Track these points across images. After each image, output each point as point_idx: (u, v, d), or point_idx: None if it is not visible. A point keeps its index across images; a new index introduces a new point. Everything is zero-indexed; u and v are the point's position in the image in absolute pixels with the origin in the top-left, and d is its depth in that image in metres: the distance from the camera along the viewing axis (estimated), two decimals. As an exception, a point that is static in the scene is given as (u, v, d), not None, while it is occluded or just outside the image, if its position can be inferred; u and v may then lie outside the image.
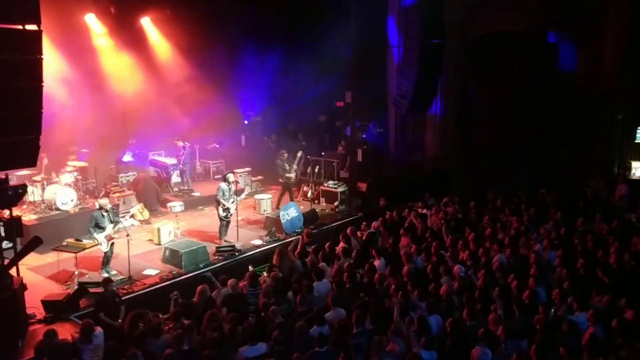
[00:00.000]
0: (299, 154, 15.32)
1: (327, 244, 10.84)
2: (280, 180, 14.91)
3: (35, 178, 13.32)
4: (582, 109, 15.80)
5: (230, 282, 8.81)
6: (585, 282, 8.30)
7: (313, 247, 10.72)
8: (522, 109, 16.05)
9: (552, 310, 7.50)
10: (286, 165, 14.81)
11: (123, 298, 9.30)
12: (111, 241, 10.52)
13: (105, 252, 10.50)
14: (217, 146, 18.58)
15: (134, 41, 16.29)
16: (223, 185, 12.27)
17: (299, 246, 10.91)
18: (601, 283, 8.26)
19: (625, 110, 15.51)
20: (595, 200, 13.34)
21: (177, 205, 14.57)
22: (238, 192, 12.58)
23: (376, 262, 9.76)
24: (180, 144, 16.09)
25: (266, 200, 14.80)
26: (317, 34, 15.78)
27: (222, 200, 12.10)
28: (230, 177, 12.52)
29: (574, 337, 6.65)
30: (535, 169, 15.14)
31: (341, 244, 10.78)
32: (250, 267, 10.62)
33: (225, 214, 12.16)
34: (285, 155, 15.06)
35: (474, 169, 15.97)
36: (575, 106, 15.75)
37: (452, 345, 6.67)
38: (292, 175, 14.84)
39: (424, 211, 12.88)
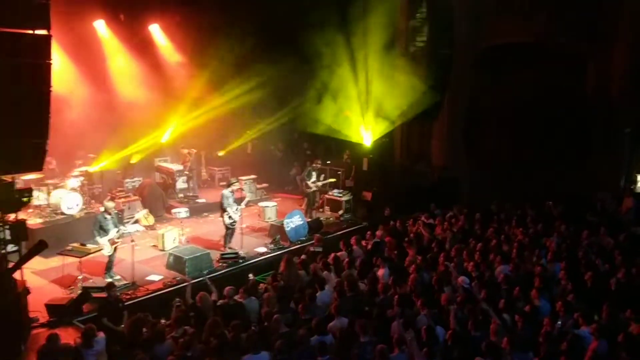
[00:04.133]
0: (329, 179, 15.65)
1: (332, 254, 10.80)
2: (304, 188, 15.08)
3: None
4: (590, 121, 15.74)
5: (226, 290, 8.76)
6: (591, 296, 8.23)
7: (319, 255, 10.72)
8: (529, 120, 16.02)
9: (559, 322, 7.43)
10: (314, 174, 14.87)
11: (126, 303, 9.33)
12: (114, 245, 10.53)
13: (109, 257, 10.51)
14: (220, 154, 18.64)
15: (142, 48, 16.40)
16: (226, 192, 12.29)
17: (306, 251, 10.96)
18: (607, 297, 8.18)
19: (633, 123, 15.44)
20: (602, 213, 13.26)
21: (182, 212, 14.59)
22: (239, 200, 12.56)
23: (380, 271, 9.71)
24: (186, 151, 16.14)
25: (271, 207, 14.79)
26: (325, 41, 15.83)
27: (227, 207, 12.10)
28: (234, 185, 12.55)
29: (579, 351, 6.60)
30: (542, 181, 15.07)
31: (341, 253, 10.79)
32: (250, 275, 10.60)
33: (230, 221, 12.15)
34: (319, 164, 15.22)
35: (480, 180, 15.92)
36: (583, 118, 15.70)
37: (455, 356, 6.62)
38: (313, 187, 14.91)
39: (430, 221, 12.85)
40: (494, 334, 6.87)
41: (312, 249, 11.39)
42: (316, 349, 6.74)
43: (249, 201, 13.27)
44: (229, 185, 12.63)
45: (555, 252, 10.10)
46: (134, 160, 16.32)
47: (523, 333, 7.11)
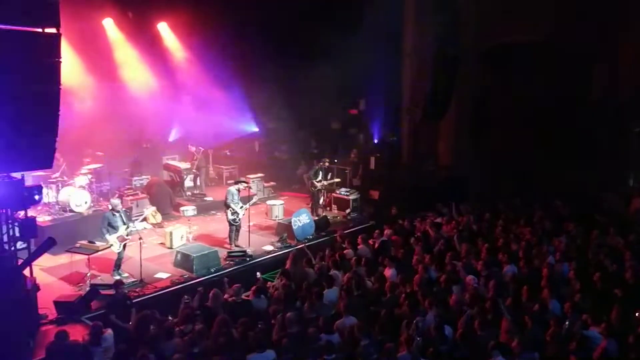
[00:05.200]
0: (335, 179, 15.62)
1: (338, 252, 10.81)
2: (310, 187, 15.03)
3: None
4: (598, 121, 15.65)
5: (233, 288, 8.76)
6: (600, 296, 8.19)
7: (325, 253, 10.73)
8: (537, 120, 15.95)
9: (566, 322, 7.40)
10: (320, 173, 14.87)
11: (134, 301, 9.35)
12: (123, 242, 10.58)
13: (117, 254, 10.57)
14: (228, 153, 18.67)
15: (150, 46, 16.43)
16: (232, 189, 12.35)
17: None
18: (616, 297, 8.14)
19: (641, 123, 15.36)
20: (610, 213, 13.18)
21: (189, 210, 14.62)
22: (245, 199, 12.57)
23: (387, 271, 9.70)
24: (193, 149, 16.18)
25: (278, 206, 14.81)
26: (333, 41, 15.82)
27: (231, 204, 12.15)
28: (241, 185, 12.59)
29: (587, 352, 6.57)
30: (550, 180, 15.01)
31: (346, 251, 10.79)
32: (258, 273, 10.60)
33: (234, 217, 12.19)
34: (326, 164, 15.23)
35: (488, 179, 15.87)
36: (592, 118, 15.61)
37: (463, 355, 6.60)
38: (319, 186, 14.88)
39: (438, 220, 12.83)
40: (506, 332, 6.84)
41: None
42: (323, 348, 6.74)
43: (255, 202, 13.24)
44: (236, 183, 12.67)
45: (564, 252, 10.06)
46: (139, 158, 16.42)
47: (532, 333, 7.08)
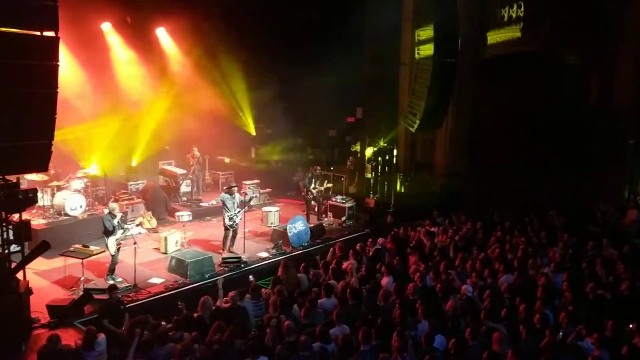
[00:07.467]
0: (330, 185, 15.71)
1: (334, 260, 10.77)
2: (303, 194, 15.05)
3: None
4: (594, 132, 15.70)
5: (230, 295, 8.74)
6: (594, 307, 8.20)
7: (322, 262, 10.67)
8: (533, 130, 16.00)
9: (560, 333, 7.39)
10: (314, 180, 14.88)
11: (128, 306, 9.31)
12: (118, 247, 10.55)
13: (112, 258, 10.53)
14: (227, 160, 18.67)
15: (148, 51, 16.48)
16: (224, 195, 12.39)
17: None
18: (610, 308, 8.15)
19: (637, 135, 15.40)
20: (605, 224, 13.20)
21: (184, 215, 14.61)
22: (242, 204, 12.58)
23: (384, 280, 9.67)
24: (197, 152, 16.21)
25: (273, 212, 14.80)
26: (331, 49, 15.88)
27: (223, 209, 12.21)
28: (234, 190, 12.61)
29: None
30: (545, 191, 15.03)
31: (350, 260, 10.73)
32: (250, 277, 10.53)
33: (230, 223, 12.19)
34: (318, 171, 15.25)
35: (483, 189, 15.89)
36: (587, 129, 15.66)
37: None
38: (313, 192, 14.86)
39: (433, 229, 12.83)
40: (497, 343, 6.82)
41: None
42: (317, 355, 6.71)
43: (251, 203, 13.22)
44: (228, 188, 12.69)
45: (558, 263, 10.07)
46: (135, 163, 16.41)
47: (527, 344, 7.06)
